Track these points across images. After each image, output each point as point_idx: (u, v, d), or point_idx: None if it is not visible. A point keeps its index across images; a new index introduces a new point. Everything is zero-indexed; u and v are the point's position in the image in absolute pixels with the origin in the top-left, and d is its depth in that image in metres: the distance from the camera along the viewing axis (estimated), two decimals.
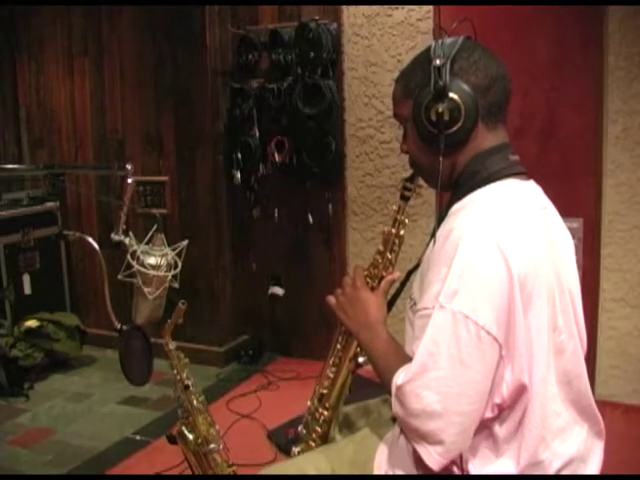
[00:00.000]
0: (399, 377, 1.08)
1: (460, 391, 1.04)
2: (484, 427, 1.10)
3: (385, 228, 1.32)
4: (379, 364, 1.20)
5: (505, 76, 1.18)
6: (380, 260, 1.31)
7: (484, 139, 1.17)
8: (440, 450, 1.05)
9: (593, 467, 1.21)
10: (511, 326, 1.04)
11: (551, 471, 1.13)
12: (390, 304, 1.35)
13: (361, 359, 1.34)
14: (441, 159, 1.15)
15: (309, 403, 1.43)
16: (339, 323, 1.33)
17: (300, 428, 1.46)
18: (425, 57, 1.18)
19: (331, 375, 1.39)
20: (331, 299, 1.32)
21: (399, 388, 1.07)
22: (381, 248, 1.31)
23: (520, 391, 1.08)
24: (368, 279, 1.31)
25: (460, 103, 1.13)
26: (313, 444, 1.42)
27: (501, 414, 1.10)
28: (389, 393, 1.11)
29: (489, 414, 1.08)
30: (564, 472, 1.15)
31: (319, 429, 1.41)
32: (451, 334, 1.03)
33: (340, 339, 1.37)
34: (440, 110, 1.13)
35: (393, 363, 1.14)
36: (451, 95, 1.13)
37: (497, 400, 1.08)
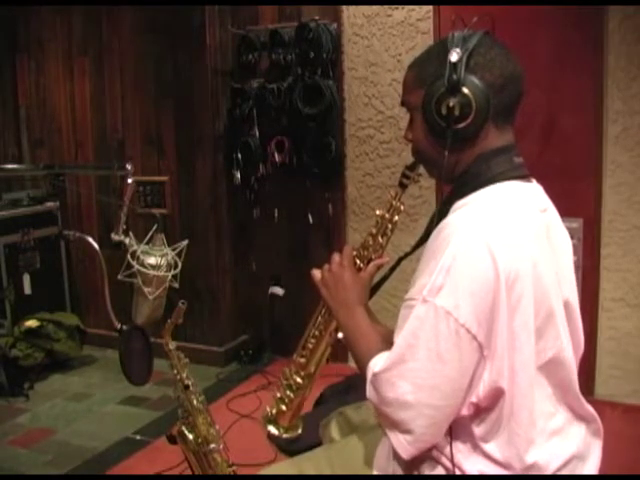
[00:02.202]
0: (377, 364, 1.10)
1: (433, 385, 1.04)
2: (462, 425, 1.10)
3: (379, 211, 1.32)
4: (353, 344, 1.22)
5: (519, 77, 1.16)
6: (371, 242, 1.32)
7: (491, 139, 1.16)
8: (410, 439, 1.06)
9: (591, 466, 1.21)
10: (494, 327, 1.04)
11: (550, 471, 1.13)
12: (375, 288, 1.35)
13: (341, 334, 1.35)
14: (446, 154, 1.14)
15: (286, 369, 1.44)
16: (320, 298, 1.34)
17: (275, 392, 1.47)
18: (441, 48, 1.15)
19: (310, 346, 1.40)
20: (316, 273, 1.33)
21: (375, 375, 1.09)
22: (373, 231, 1.32)
23: (496, 394, 1.08)
24: (357, 259, 1.32)
25: (472, 100, 1.11)
26: (284, 407, 1.43)
27: (479, 414, 1.10)
28: (362, 375, 1.13)
29: (465, 412, 1.09)
30: (563, 471, 1.15)
31: (291, 394, 1.42)
32: (431, 328, 1.04)
33: (322, 312, 1.38)
34: (451, 104, 1.12)
35: (366, 346, 1.17)
36: (464, 90, 1.11)
37: (473, 399, 1.08)
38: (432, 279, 1.04)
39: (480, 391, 1.07)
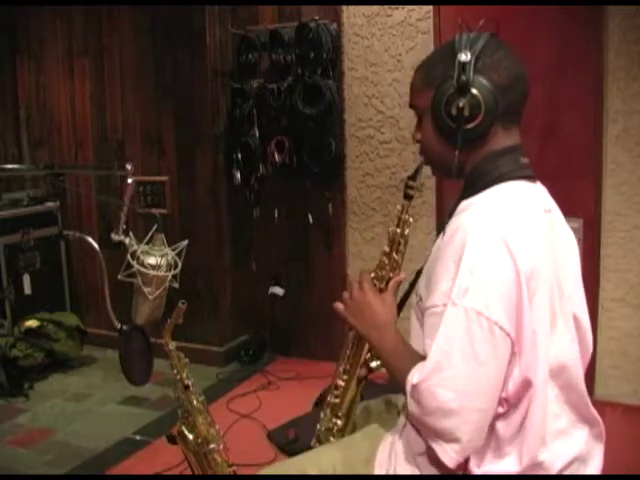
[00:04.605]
0: (414, 376, 1.08)
1: (475, 388, 1.04)
2: (489, 425, 1.10)
3: (390, 228, 1.32)
4: (391, 364, 1.20)
5: (525, 78, 1.18)
6: (387, 261, 1.31)
7: (499, 139, 1.18)
8: (457, 448, 1.05)
9: (593, 469, 1.21)
10: (520, 322, 1.05)
11: (553, 472, 1.13)
12: (400, 305, 1.34)
13: (373, 364, 1.33)
14: (457, 154, 1.16)
15: (322, 414, 1.42)
16: (349, 328, 1.32)
17: (313, 442, 1.43)
18: (448, 50, 1.17)
19: (342, 383, 1.38)
20: (339, 305, 1.31)
21: (414, 387, 1.07)
22: (387, 249, 1.31)
23: (525, 387, 1.08)
24: (375, 281, 1.30)
25: (481, 100, 1.13)
26: None
27: (507, 411, 1.10)
28: (403, 392, 1.12)
29: (500, 409, 1.09)
30: (566, 473, 1.15)
31: (333, 439, 1.40)
32: (464, 331, 1.04)
33: (350, 345, 1.36)
34: (461, 105, 1.13)
35: (405, 362, 1.14)
36: (473, 91, 1.13)
37: (503, 395, 1.08)
38: (457, 283, 1.04)
39: (510, 387, 1.08)
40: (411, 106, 1.27)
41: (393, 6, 3.07)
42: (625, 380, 2.84)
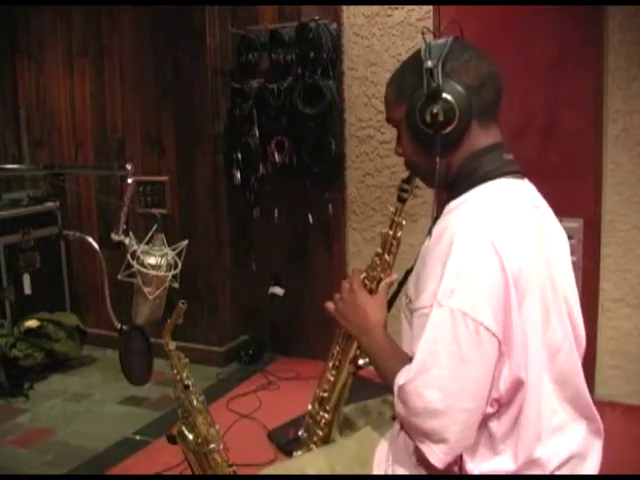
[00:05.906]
0: (401, 377, 1.08)
1: (461, 388, 1.04)
2: (482, 424, 1.10)
3: (383, 230, 1.32)
4: (381, 366, 1.21)
5: (496, 74, 1.19)
6: (378, 262, 1.32)
7: (478, 138, 1.18)
8: (444, 448, 1.05)
9: (591, 466, 1.21)
10: (508, 322, 1.05)
11: (550, 469, 1.14)
12: (389, 305, 1.35)
13: (361, 361, 1.35)
14: (437, 160, 1.16)
15: (310, 407, 1.43)
16: (339, 327, 1.33)
17: (301, 432, 1.45)
18: (415, 60, 1.19)
19: (331, 378, 1.39)
20: (330, 305, 1.33)
21: (401, 388, 1.07)
22: (379, 250, 1.32)
23: (516, 387, 1.09)
24: (366, 281, 1.31)
25: (454, 104, 1.14)
26: (314, 447, 1.42)
27: (499, 410, 1.10)
28: (392, 394, 1.12)
29: (489, 409, 1.09)
30: (563, 470, 1.15)
31: (320, 432, 1.41)
32: (450, 332, 1.04)
33: (340, 341, 1.38)
34: (434, 111, 1.14)
35: (394, 364, 1.14)
36: (445, 96, 1.14)
37: (494, 395, 1.08)
38: (443, 283, 1.05)
39: (501, 386, 1.08)
40: (388, 121, 1.28)
41: (393, 6, 3.07)
42: (625, 380, 2.84)
